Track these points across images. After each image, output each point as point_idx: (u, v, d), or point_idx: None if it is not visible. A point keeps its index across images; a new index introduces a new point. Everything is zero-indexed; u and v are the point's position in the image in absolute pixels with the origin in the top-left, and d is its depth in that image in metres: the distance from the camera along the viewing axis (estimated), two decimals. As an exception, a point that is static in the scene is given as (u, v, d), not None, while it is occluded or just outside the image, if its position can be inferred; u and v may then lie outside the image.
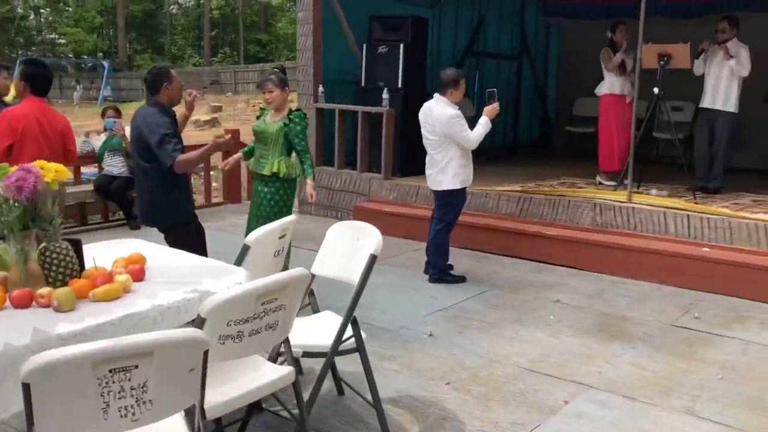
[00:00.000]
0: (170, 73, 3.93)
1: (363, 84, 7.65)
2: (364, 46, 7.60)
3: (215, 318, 2.13)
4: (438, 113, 4.99)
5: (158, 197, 3.91)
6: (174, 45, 39.61)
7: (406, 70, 7.37)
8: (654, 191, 6.26)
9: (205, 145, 3.97)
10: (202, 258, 3.07)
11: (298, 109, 4.51)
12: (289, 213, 4.48)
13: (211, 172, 8.70)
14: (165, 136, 3.72)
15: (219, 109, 22.65)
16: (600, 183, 6.99)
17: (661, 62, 5.91)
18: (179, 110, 4.20)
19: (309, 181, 4.47)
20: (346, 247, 3.10)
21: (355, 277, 2.92)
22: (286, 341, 2.58)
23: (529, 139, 11.28)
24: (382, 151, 7.11)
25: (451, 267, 5.49)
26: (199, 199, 7.89)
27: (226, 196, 8.65)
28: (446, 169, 5.06)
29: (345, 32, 7.90)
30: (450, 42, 9.41)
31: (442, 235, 5.19)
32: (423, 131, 5.17)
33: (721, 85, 6.34)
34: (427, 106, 5.14)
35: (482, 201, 6.48)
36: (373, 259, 2.88)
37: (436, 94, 5.10)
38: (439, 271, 5.24)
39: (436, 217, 5.24)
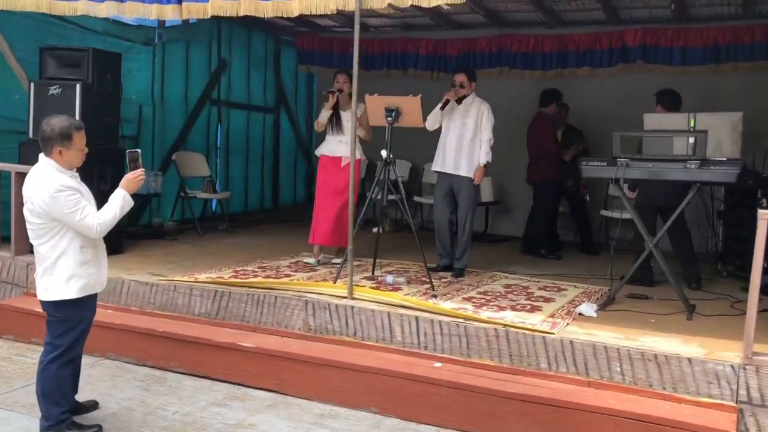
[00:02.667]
0: None
1: (31, 135, 5.71)
2: (32, 85, 5.69)
3: None
4: (37, 185, 3.26)
5: None
6: None
7: (87, 118, 5.57)
8: (390, 278, 4.99)
9: None
10: None
11: None
12: None
13: None
14: None
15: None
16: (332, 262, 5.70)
17: (389, 118, 4.72)
18: None
19: None
20: None
21: None
22: None
23: (293, 201, 9.91)
24: (42, 227, 5.16)
25: (89, 407, 3.72)
26: None
27: None
28: (55, 269, 3.31)
29: (12, 67, 5.95)
30: (179, 87, 7.77)
31: (53, 370, 3.37)
32: (24, 211, 3.41)
33: (464, 147, 5.34)
34: (30, 173, 3.40)
35: (170, 297, 4.78)
36: None
37: (41, 156, 3.39)
38: (55, 423, 3.41)
39: (47, 341, 3.43)
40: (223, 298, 4.62)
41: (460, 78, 5.44)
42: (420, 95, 4.79)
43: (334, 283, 4.67)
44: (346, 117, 5.47)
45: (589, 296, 4.91)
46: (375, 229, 6.11)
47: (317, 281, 4.90)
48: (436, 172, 5.67)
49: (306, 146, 9.89)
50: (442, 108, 5.40)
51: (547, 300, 4.72)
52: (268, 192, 9.47)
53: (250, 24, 8.62)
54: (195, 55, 7.93)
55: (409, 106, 4.72)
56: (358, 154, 5.44)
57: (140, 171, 3.47)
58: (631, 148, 4.52)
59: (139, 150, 3.51)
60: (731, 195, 5.96)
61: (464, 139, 5.41)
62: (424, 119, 4.97)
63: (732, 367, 3.41)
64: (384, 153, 4.74)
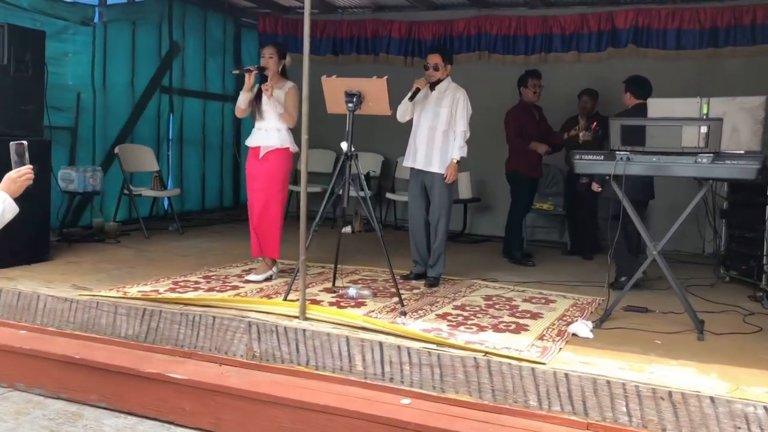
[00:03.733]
0: None
1: (-61, 126, 4.94)
2: (-61, 67, 4.92)
3: None
4: None
5: None
6: None
7: (2, 105, 4.83)
8: (353, 290, 4.30)
9: None
10: None
11: None
12: None
13: None
14: None
15: None
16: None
17: (350, 104, 4.02)
18: None
19: None
20: None
21: None
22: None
23: (256, 198, 9.18)
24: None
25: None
26: None
27: None
28: None
29: None
30: (124, 73, 7.00)
31: None
32: None
33: (436, 140, 4.68)
34: None
35: (92, 316, 4.05)
36: None
37: None
38: None
39: None
40: (153, 318, 3.90)
41: (434, 59, 4.78)
42: (386, 77, 4.08)
43: (284, 299, 3.97)
44: (266, 100, 4.61)
45: (581, 310, 4.27)
46: (344, 229, 5.32)
47: (266, 296, 4.20)
48: (408, 167, 5.02)
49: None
50: (411, 98, 4.72)
51: (534, 316, 4.07)
52: (228, 188, 8.74)
53: (205, 4, 7.89)
54: (142, 38, 7.16)
55: (374, 89, 4.03)
56: (288, 143, 4.67)
57: (26, 169, 2.74)
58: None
59: (25, 143, 2.77)
60: (736, 192, 5.36)
61: (436, 131, 4.75)
62: (392, 105, 4.27)
63: (765, 408, 2.78)
64: (344, 145, 4.04)
